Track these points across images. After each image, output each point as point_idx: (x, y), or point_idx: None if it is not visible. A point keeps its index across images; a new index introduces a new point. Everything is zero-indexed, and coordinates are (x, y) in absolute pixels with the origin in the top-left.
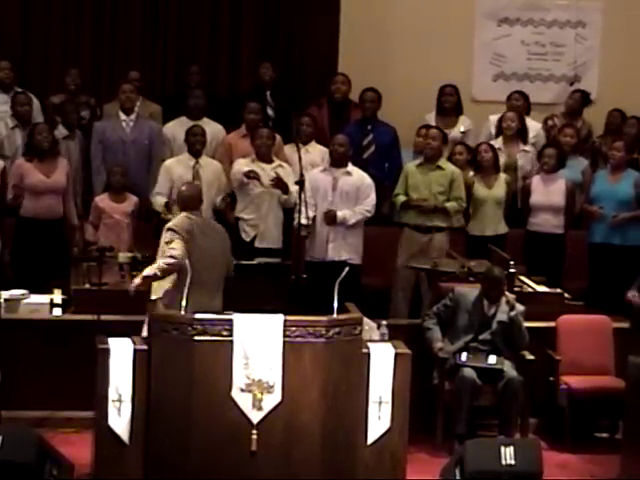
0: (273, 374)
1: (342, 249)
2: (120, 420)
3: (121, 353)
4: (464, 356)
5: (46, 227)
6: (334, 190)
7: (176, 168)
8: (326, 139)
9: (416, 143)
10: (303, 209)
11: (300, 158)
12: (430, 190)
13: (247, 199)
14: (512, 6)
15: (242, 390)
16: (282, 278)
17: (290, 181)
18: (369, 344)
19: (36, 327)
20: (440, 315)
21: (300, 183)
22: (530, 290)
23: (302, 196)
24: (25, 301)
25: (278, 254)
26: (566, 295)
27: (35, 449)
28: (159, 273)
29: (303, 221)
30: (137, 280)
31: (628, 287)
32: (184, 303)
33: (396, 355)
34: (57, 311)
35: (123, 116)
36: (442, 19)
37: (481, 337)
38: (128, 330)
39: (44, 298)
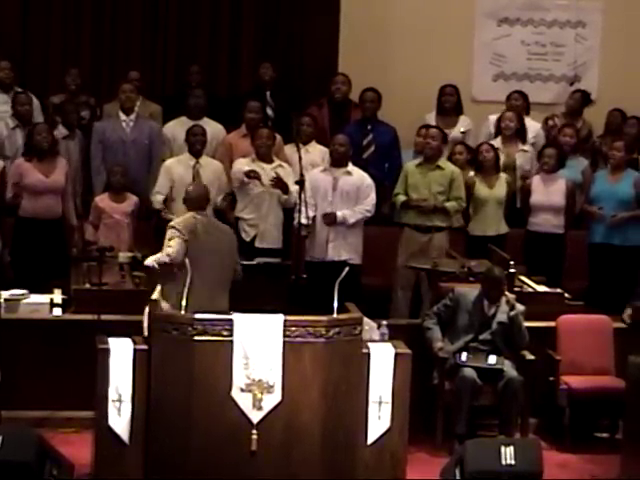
0: (273, 374)
1: (342, 249)
2: (120, 420)
3: (121, 353)
4: (464, 356)
5: (45, 227)
6: (334, 190)
7: (176, 168)
8: (326, 139)
9: (416, 143)
10: (303, 209)
11: (300, 158)
12: (430, 190)
13: (247, 199)
14: (512, 6)
15: (242, 390)
16: (282, 278)
17: (290, 181)
18: (369, 344)
19: (36, 327)
20: (440, 315)
21: (300, 183)
22: (530, 290)
23: (302, 196)
24: (25, 301)
25: (278, 254)
26: (566, 295)
27: (35, 449)
28: (157, 266)
29: (303, 221)
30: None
31: (628, 287)
32: (184, 303)
33: (396, 355)
34: (57, 311)
35: (123, 116)
36: (442, 19)
37: (481, 337)
38: (128, 330)
39: (44, 298)
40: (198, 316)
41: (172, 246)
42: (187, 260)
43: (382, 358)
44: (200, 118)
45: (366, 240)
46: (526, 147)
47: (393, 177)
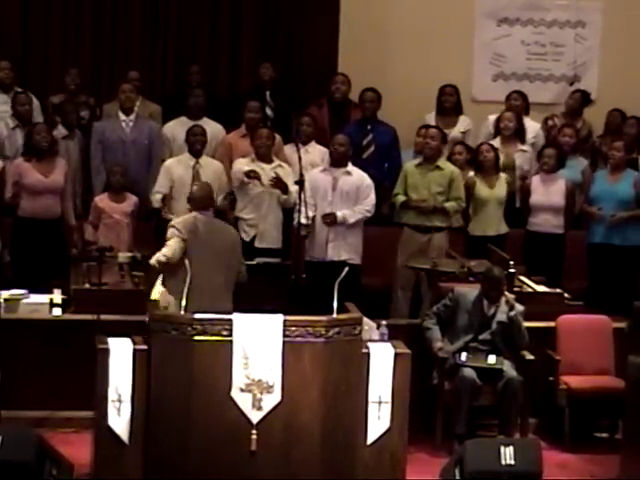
0: (273, 374)
1: (342, 249)
2: (120, 420)
3: (121, 353)
4: (464, 356)
5: (44, 227)
6: (334, 190)
7: (176, 168)
8: (326, 139)
9: (416, 143)
10: (303, 209)
11: (300, 158)
12: (429, 190)
13: (246, 199)
14: (512, 6)
15: (242, 390)
16: (282, 278)
17: (290, 181)
18: (369, 344)
19: (36, 327)
20: (440, 315)
21: (300, 183)
22: (530, 290)
23: (302, 196)
24: (25, 301)
25: (278, 254)
26: (566, 295)
27: (35, 449)
28: (157, 265)
29: (303, 220)
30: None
31: (628, 287)
32: (184, 303)
33: (396, 355)
34: (57, 311)
35: (122, 116)
36: (442, 19)
37: (481, 337)
38: (128, 330)
39: (44, 298)
40: (198, 316)
41: (170, 245)
42: (187, 261)
43: (382, 358)
44: (200, 118)
45: (366, 240)
46: (525, 147)
47: (393, 177)
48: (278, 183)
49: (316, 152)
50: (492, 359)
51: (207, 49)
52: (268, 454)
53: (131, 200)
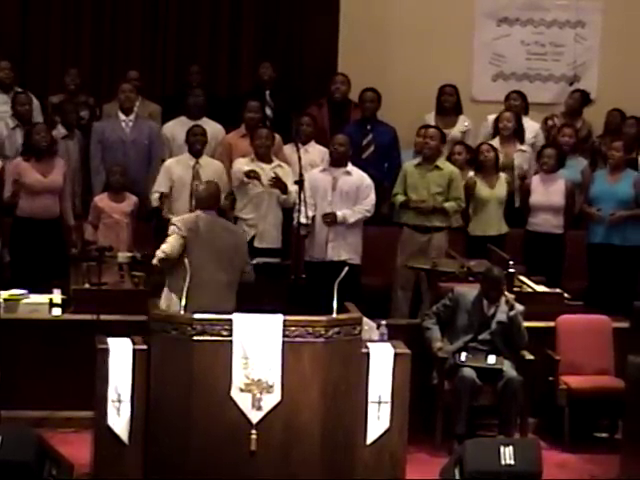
0: (272, 374)
1: (342, 249)
2: (119, 420)
3: (120, 353)
4: (463, 356)
5: (43, 227)
6: (334, 190)
7: (176, 168)
8: (326, 139)
9: (416, 143)
10: (302, 208)
11: (300, 158)
12: (428, 191)
13: (246, 199)
14: (512, 6)
15: (241, 390)
16: (281, 278)
17: (289, 181)
18: (368, 344)
19: (36, 327)
20: (439, 315)
21: (299, 183)
22: (529, 290)
23: (302, 195)
24: (24, 301)
25: (277, 254)
26: (565, 295)
27: (34, 449)
28: (157, 263)
29: (303, 220)
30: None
31: (627, 287)
32: (184, 302)
33: (395, 355)
34: (56, 311)
35: (122, 116)
36: (442, 19)
37: (480, 337)
38: (127, 330)
39: (43, 298)
40: (197, 316)
41: (169, 241)
42: (186, 260)
43: (381, 358)
44: (199, 118)
45: (366, 240)
46: (524, 147)
47: (392, 177)
48: (277, 183)
49: (316, 152)
50: (492, 359)
51: (207, 49)
52: (268, 454)
53: (131, 200)
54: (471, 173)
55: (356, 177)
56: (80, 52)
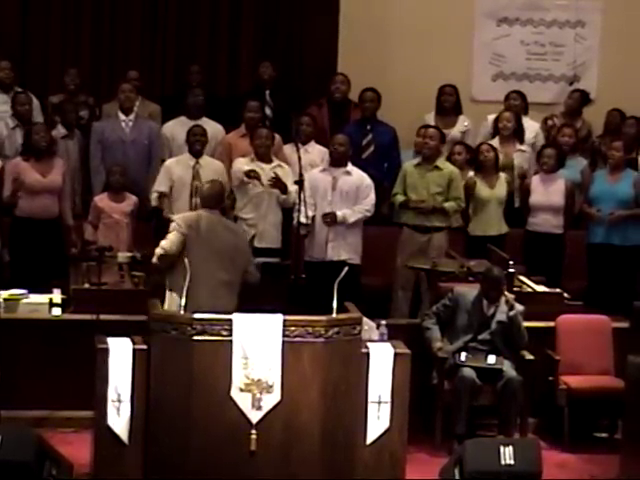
0: (272, 374)
1: (341, 249)
2: (119, 420)
3: (120, 353)
4: (463, 356)
5: (42, 227)
6: (334, 190)
7: (176, 168)
8: (326, 139)
9: (416, 143)
10: (302, 208)
11: (299, 158)
12: (428, 191)
13: (246, 198)
14: (512, 6)
15: (241, 390)
16: (281, 278)
17: (289, 181)
18: (368, 344)
19: (35, 327)
20: (439, 315)
21: (299, 183)
22: (529, 290)
23: (301, 195)
24: (24, 301)
25: (277, 254)
26: (565, 295)
27: (34, 449)
28: (157, 262)
29: (302, 220)
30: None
31: (627, 287)
32: (184, 302)
33: (395, 355)
34: (56, 311)
35: (122, 116)
36: (442, 19)
37: (480, 337)
38: (127, 330)
39: (43, 298)
40: (197, 316)
41: (168, 238)
42: (186, 259)
43: (381, 358)
44: (199, 118)
45: (365, 240)
46: (524, 147)
47: (392, 177)
48: (277, 183)
49: (316, 152)
50: (492, 359)
51: (207, 49)
52: (268, 454)
53: (131, 200)
54: (471, 173)
55: (356, 177)
56: (80, 52)
